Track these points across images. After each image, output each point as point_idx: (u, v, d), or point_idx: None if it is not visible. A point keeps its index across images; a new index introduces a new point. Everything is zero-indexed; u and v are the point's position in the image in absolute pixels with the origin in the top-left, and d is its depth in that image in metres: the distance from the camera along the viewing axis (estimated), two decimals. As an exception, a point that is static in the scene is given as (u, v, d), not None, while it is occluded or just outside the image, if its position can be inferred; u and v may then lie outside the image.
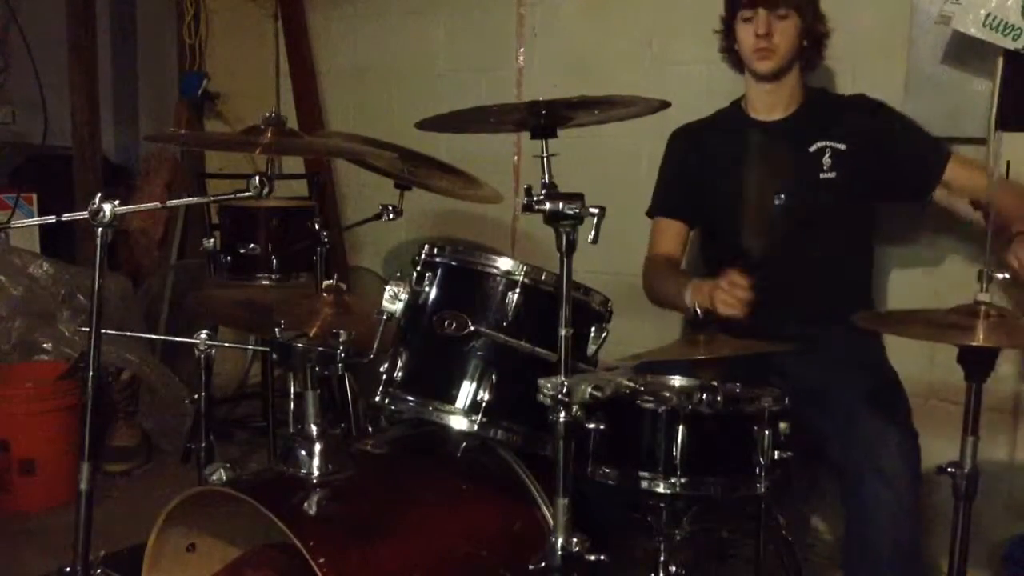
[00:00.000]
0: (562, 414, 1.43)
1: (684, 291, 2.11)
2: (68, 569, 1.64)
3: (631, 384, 1.63)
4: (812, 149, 2.25)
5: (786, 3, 2.19)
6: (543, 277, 1.70)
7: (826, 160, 2.24)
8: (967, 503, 1.62)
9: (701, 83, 2.85)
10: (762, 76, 2.27)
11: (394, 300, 1.73)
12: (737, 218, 2.34)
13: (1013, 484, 2.49)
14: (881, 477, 1.89)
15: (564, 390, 1.43)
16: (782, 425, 1.69)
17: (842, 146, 2.24)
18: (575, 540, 1.45)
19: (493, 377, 1.66)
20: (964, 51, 2.36)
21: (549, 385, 1.44)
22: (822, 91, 2.44)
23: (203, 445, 2.15)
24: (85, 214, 1.58)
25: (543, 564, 1.47)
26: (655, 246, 2.46)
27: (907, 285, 2.58)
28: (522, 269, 1.69)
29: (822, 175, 2.24)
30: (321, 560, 1.46)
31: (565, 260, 1.47)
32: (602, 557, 1.48)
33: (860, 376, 2.11)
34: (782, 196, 2.27)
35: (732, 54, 2.35)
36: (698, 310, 1.87)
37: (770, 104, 2.33)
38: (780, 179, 2.27)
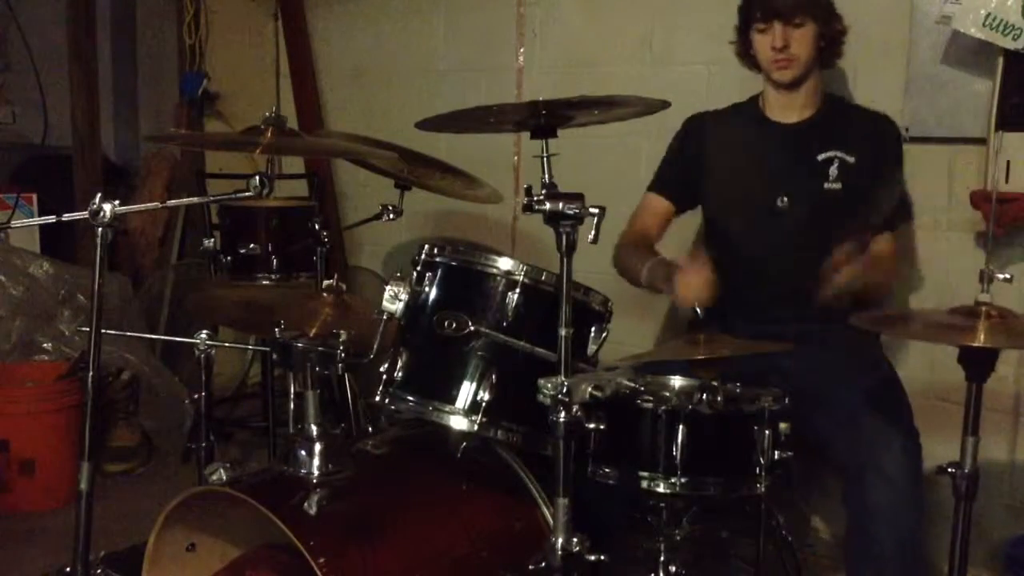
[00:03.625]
0: (562, 414, 1.43)
1: (642, 267, 2.12)
2: (68, 569, 1.64)
3: (631, 384, 1.63)
4: (821, 157, 2.25)
5: (801, 13, 2.17)
6: (543, 277, 1.70)
7: (833, 170, 2.23)
8: (967, 503, 1.62)
9: (701, 83, 2.86)
10: (782, 85, 2.27)
11: (394, 300, 1.73)
12: (738, 214, 2.34)
13: (1013, 484, 2.49)
14: (883, 477, 1.89)
15: (564, 390, 1.43)
16: (782, 425, 1.70)
17: (851, 158, 2.24)
18: (575, 540, 1.45)
19: (493, 377, 1.66)
20: (964, 51, 2.36)
21: (549, 385, 1.44)
22: (841, 99, 2.43)
23: (203, 445, 2.15)
24: (85, 214, 1.57)
25: (543, 564, 1.47)
26: (634, 220, 2.43)
27: (907, 285, 2.58)
28: (522, 269, 1.69)
29: (827, 184, 2.23)
30: (321, 560, 1.46)
31: (565, 260, 1.47)
32: (602, 557, 1.48)
33: (860, 376, 2.12)
34: (784, 199, 2.26)
35: (749, 58, 2.33)
36: (698, 310, 1.87)
37: (786, 106, 2.31)
38: (784, 182, 2.27)
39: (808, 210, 2.25)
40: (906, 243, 2.48)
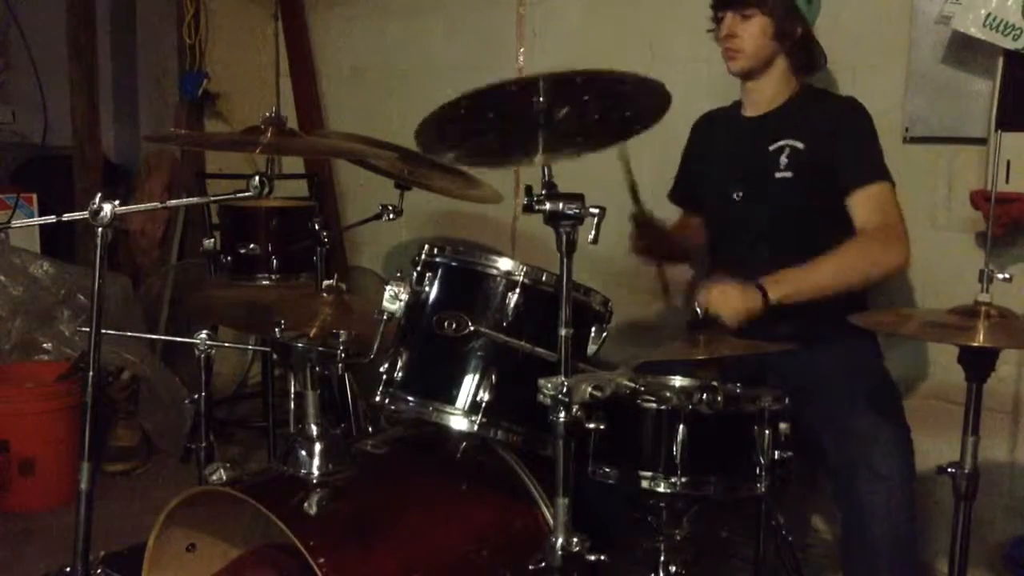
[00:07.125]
0: (562, 414, 1.43)
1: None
2: (68, 569, 1.64)
3: (631, 384, 1.63)
4: (772, 148, 2.25)
5: (750, 5, 2.17)
6: (543, 277, 1.70)
7: (783, 159, 2.22)
8: (967, 503, 1.62)
9: (701, 82, 2.85)
10: (734, 75, 2.29)
11: (394, 300, 1.73)
12: (709, 211, 2.43)
13: (1013, 484, 2.49)
14: (873, 475, 1.89)
15: (564, 390, 1.43)
16: (782, 425, 1.70)
17: (801, 145, 2.21)
18: (575, 540, 1.45)
19: (493, 377, 1.66)
20: (964, 51, 2.36)
21: (549, 385, 1.44)
22: (819, 91, 2.42)
23: (203, 445, 2.15)
24: (85, 214, 1.58)
25: (543, 564, 1.47)
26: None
27: (907, 285, 2.58)
28: (522, 269, 1.69)
29: (777, 174, 2.22)
30: (321, 560, 1.46)
31: (565, 260, 1.47)
32: (602, 557, 1.48)
33: (852, 375, 2.11)
34: (740, 193, 2.29)
35: None
36: (698, 310, 1.87)
37: (752, 101, 2.34)
38: (739, 174, 2.30)
39: (761, 201, 2.26)
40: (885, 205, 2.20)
